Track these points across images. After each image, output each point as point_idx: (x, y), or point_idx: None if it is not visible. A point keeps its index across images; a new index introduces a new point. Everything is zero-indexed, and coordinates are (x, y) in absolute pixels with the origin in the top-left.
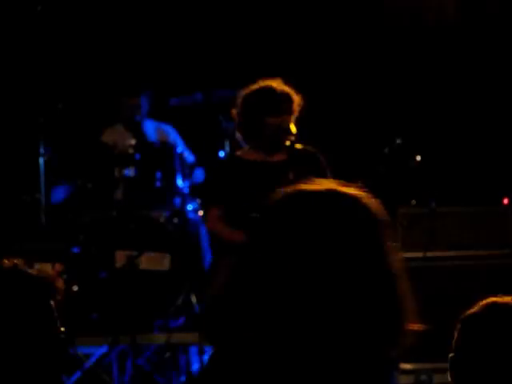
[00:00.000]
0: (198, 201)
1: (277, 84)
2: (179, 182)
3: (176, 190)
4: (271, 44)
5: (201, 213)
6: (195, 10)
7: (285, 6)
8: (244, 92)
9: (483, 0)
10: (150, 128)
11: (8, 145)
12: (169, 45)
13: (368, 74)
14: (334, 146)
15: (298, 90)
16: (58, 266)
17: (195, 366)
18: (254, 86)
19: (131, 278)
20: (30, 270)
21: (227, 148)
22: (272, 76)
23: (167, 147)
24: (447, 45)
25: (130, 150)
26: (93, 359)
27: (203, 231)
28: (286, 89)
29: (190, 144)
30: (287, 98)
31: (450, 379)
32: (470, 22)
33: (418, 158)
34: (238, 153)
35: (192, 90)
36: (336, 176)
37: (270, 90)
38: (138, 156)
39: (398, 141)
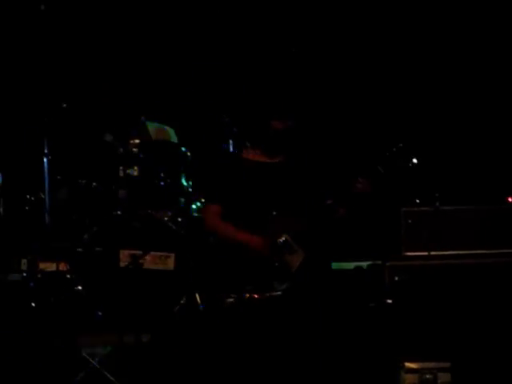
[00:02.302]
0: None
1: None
2: (183, 181)
3: (180, 189)
4: (276, 45)
5: None
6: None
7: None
8: (251, 94)
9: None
10: (151, 128)
11: (12, 144)
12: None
13: (370, 80)
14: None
15: (306, 93)
16: (63, 265)
17: None
18: (261, 89)
19: (135, 278)
20: None
21: (231, 147)
22: (278, 77)
23: (171, 146)
24: (446, 44)
25: (134, 150)
26: (97, 359)
27: None
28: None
29: (194, 143)
30: (291, 103)
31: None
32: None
33: (415, 160)
34: (241, 152)
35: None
36: (339, 175)
37: (277, 94)
38: (142, 155)
39: (401, 144)
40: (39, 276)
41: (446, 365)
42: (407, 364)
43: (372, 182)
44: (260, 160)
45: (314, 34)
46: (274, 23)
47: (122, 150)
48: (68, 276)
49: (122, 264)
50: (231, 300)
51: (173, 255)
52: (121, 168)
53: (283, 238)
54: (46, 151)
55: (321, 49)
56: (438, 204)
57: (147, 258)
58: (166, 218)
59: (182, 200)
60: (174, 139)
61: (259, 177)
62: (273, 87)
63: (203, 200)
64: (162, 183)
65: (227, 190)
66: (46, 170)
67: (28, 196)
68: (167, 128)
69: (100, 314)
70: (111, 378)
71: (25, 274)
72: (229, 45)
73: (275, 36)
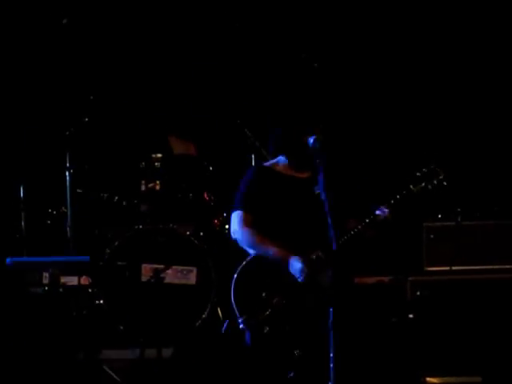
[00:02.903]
0: (226, 213)
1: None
2: (206, 195)
3: (202, 203)
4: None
5: (228, 226)
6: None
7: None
8: (285, 110)
9: None
10: (174, 142)
11: (34, 158)
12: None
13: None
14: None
15: (339, 113)
16: (85, 280)
17: None
18: (294, 106)
19: (157, 292)
20: None
21: (253, 161)
22: (306, 97)
23: (193, 160)
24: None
25: (156, 164)
26: (119, 373)
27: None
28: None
29: (216, 156)
30: (321, 120)
31: None
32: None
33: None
34: (269, 165)
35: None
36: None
37: (311, 110)
38: (163, 169)
39: (432, 166)
40: (61, 290)
41: (467, 380)
42: (428, 379)
43: (394, 211)
44: (287, 173)
45: (344, 55)
46: (302, 38)
47: (143, 164)
48: (90, 290)
49: (144, 278)
50: (267, 313)
51: (195, 269)
52: (143, 182)
53: (316, 255)
54: (67, 165)
55: (354, 69)
56: (459, 219)
57: (169, 272)
58: (188, 233)
59: (205, 214)
60: (195, 153)
61: (290, 190)
62: (307, 103)
63: (231, 209)
64: (183, 197)
65: (258, 200)
66: (67, 183)
67: (50, 210)
68: (188, 142)
69: (122, 328)
70: None
71: (46, 288)
72: (256, 60)
73: (300, 49)
